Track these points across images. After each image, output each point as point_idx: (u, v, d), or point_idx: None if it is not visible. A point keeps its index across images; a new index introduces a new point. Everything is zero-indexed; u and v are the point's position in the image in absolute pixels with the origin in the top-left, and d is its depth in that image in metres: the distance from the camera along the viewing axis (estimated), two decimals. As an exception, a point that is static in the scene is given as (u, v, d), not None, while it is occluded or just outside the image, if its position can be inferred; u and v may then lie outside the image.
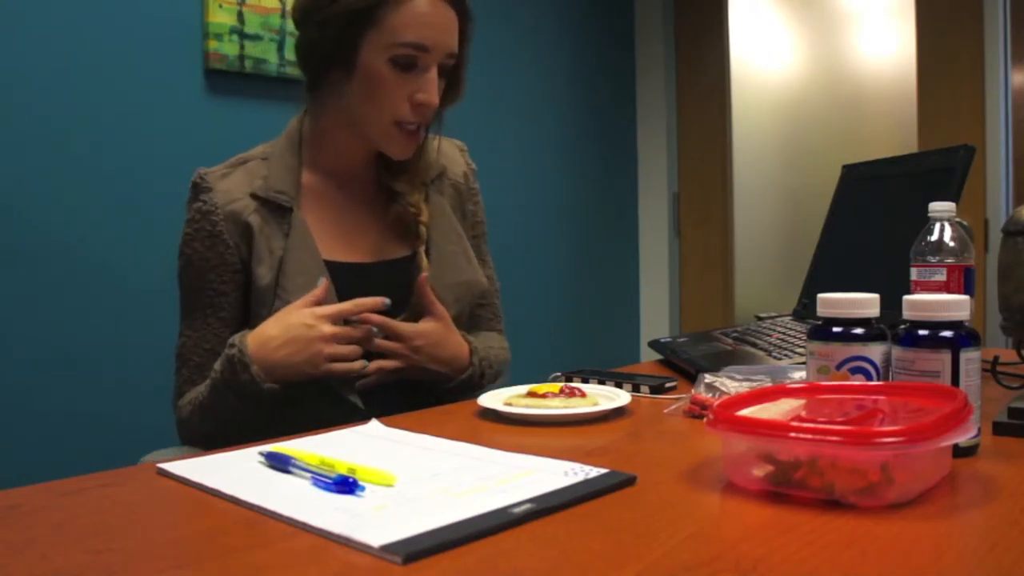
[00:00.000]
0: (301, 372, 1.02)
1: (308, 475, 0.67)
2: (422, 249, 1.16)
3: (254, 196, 1.11)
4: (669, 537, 0.54)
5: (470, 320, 1.26)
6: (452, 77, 1.15)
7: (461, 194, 1.26)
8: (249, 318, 1.11)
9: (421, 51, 1.05)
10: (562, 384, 0.95)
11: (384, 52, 1.05)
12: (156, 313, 1.91)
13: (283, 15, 2.12)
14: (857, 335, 0.73)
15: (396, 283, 1.14)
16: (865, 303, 0.73)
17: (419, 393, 1.14)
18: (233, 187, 1.12)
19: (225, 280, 1.11)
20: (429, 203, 1.20)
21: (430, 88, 1.07)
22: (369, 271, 1.15)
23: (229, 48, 2.02)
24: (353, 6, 1.04)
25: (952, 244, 0.85)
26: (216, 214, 1.10)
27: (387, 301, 1.06)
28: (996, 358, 0.93)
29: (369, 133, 1.12)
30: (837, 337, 0.74)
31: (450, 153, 1.27)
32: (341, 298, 1.10)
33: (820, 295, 0.75)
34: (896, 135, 2.77)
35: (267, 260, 1.09)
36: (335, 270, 1.12)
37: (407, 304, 1.14)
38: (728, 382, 0.91)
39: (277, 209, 1.11)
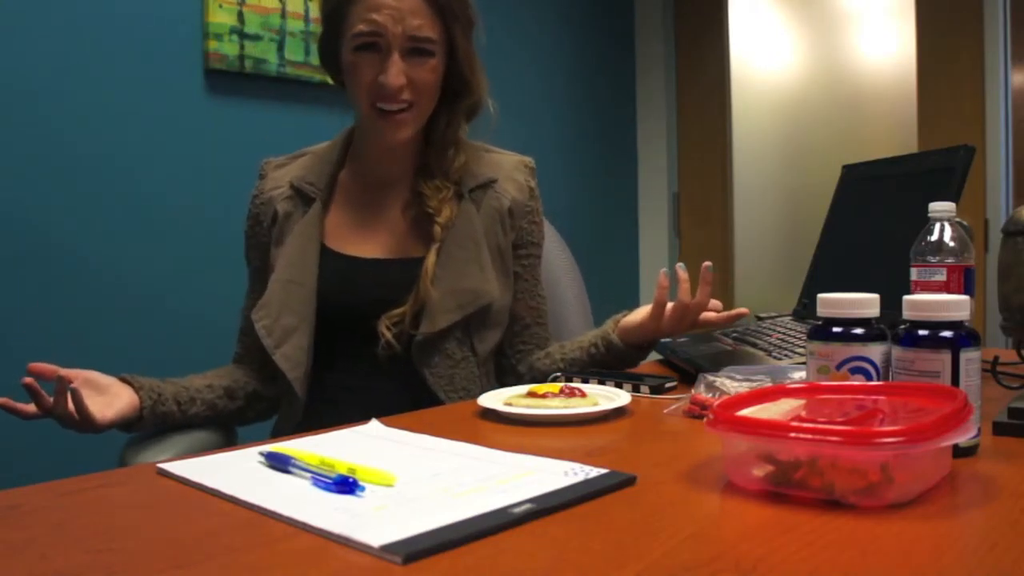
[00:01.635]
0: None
1: (308, 475, 0.67)
2: (434, 249, 1.17)
3: (291, 185, 1.22)
4: (669, 537, 0.54)
5: (526, 338, 1.26)
6: (453, 71, 1.17)
7: (503, 208, 1.23)
8: None
9: (375, 36, 1.10)
10: (562, 384, 0.95)
11: (350, 43, 1.12)
12: (157, 313, 1.91)
13: (283, 15, 2.12)
14: (857, 335, 0.73)
15: (399, 281, 1.16)
16: (865, 303, 0.73)
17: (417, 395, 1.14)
18: (281, 176, 1.24)
19: (260, 257, 1.24)
20: (458, 209, 1.20)
21: (389, 70, 1.11)
22: (373, 266, 1.18)
23: (229, 48, 2.02)
24: (328, 10, 1.14)
25: (952, 244, 0.84)
26: (259, 199, 1.24)
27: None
28: (996, 358, 0.93)
29: (362, 123, 1.19)
30: (837, 337, 0.74)
31: (508, 168, 1.27)
32: (339, 288, 1.16)
33: (820, 295, 0.75)
34: (896, 135, 2.77)
35: (284, 244, 1.18)
36: (334, 259, 1.18)
37: (407, 302, 1.15)
38: (728, 382, 0.91)
39: (306, 199, 1.20)
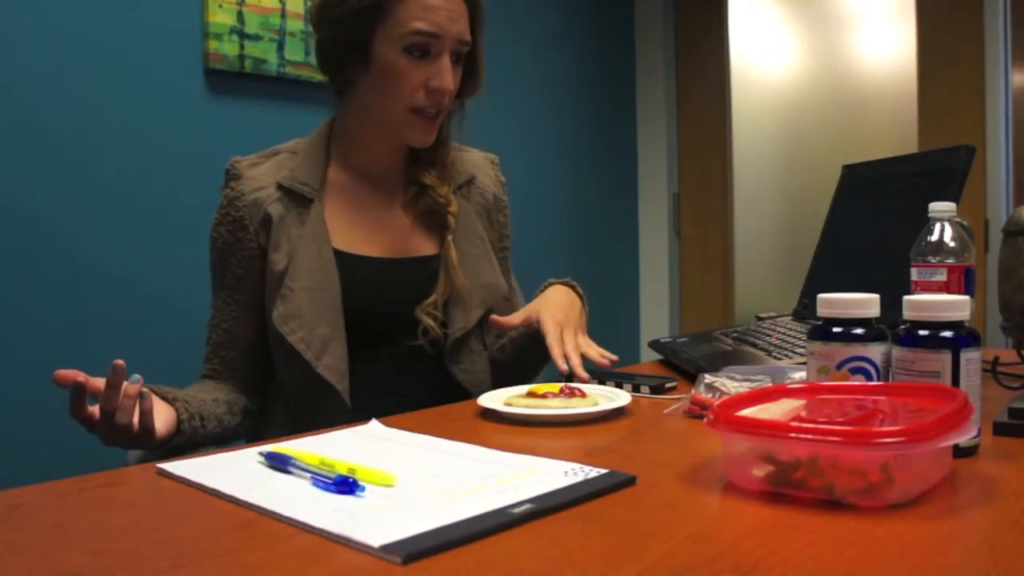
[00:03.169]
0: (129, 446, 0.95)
1: (308, 475, 0.67)
2: (450, 239, 1.18)
3: (279, 186, 1.14)
4: (669, 537, 0.54)
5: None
6: (469, 67, 1.16)
7: (489, 204, 1.27)
8: (265, 303, 1.14)
9: (432, 38, 1.07)
10: (562, 384, 0.95)
11: (397, 43, 1.07)
12: (157, 312, 1.91)
13: (283, 15, 2.12)
14: (857, 335, 0.73)
15: (417, 280, 1.17)
16: (865, 303, 0.73)
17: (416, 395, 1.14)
18: (261, 176, 1.15)
19: (244, 265, 1.14)
20: (456, 202, 1.22)
21: (444, 74, 1.09)
22: (389, 266, 1.17)
23: (229, 48, 2.02)
24: (363, 2, 1.07)
25: (952, 244, 0.84)
26: (241, 200, 1.14)
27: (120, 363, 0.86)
28: (996, 358, 0.93)
29: (387, 123, 1.14)
30: (837, 337, 0.74)
31: (481, 164, 1.29)
32: (362, 291, 1.13)
33: (820, 295, 0.75)
34: (896, 135, 2.77)
35: (283, 247, 1.12)
36: (349, 261, 1.14)
37: (436, 291, 1.16)
38: (728, 382, 0.91)
39: (299, 199, 1.14)
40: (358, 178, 1.20)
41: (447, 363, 1.16)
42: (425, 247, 1.19)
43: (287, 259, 1.11)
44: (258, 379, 1.17)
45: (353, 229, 1.18)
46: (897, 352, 0.71)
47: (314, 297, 1.10)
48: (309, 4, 2.17)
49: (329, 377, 1.08)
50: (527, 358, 1.25)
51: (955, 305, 0.68)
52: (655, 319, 3.27)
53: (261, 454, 0.73)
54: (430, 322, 1.14)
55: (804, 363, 0.81)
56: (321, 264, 1.12)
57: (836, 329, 0.74)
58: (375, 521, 0.56)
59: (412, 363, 1.15)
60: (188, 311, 1.94)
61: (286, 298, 1.10)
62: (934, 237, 0.85)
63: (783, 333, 1.24)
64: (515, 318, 1.15)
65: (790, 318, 1.40)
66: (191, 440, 1.00)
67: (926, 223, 0.87)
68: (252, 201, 1.13)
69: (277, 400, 1.16)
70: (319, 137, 1.20)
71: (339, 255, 1.14)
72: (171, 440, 0.97)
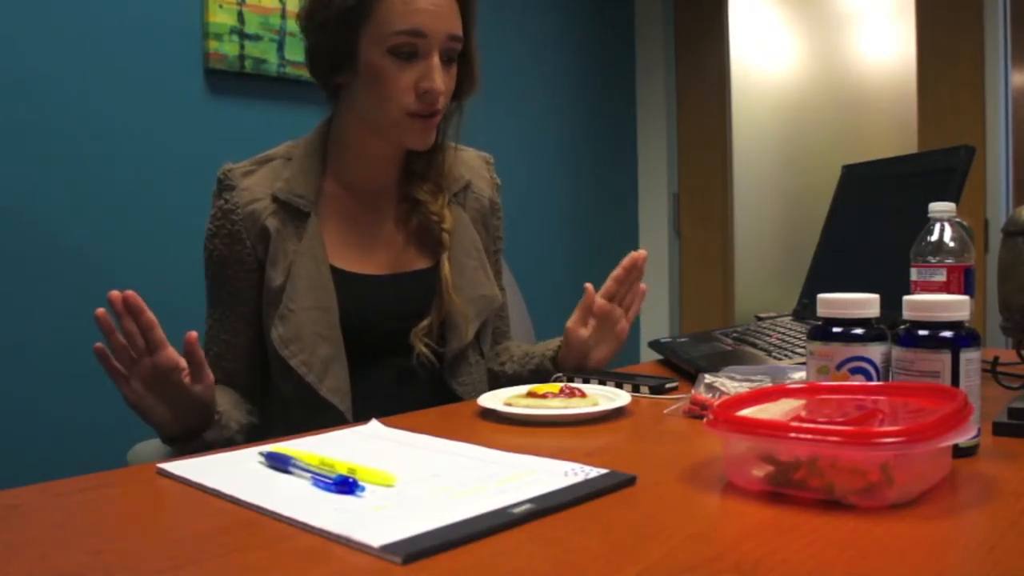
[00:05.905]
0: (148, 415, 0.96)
1: (308, 475, 0.67)
2: (445, 256, 1.15)
3: (275, 198, 1.11)
4: (669, 537, 0.54)
5: (493, 333, 1.27)
6: (464, 67, 1.13)
7: (484, 208, 1.25)
8: (262, 316, 1.12)
9: (418, 37, 1.04)
10: (562, 384, 0.95)
11: (382, 44, 1.04)
12: (156, 312, 1.91)
13: (283, 15, 2.12)
14: (857, 335, 0.73)
15: (415, 295, 1.15)
16: (865, 303, 0.73)
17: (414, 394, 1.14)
18: (255, 186, 1.11)
19: (241, 278, 1.12)
20: (451, 215, 1.19)
21: (433, 75, 1.05)
22: (385, 283, 1.15)
23: (229, 48, 2.02)
24: (346, 3, 1.03)
25: (952, 244, 0.84)
26: (236, 213, 1.10)
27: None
28: (996, 358, 0.93)
29: (383, 127, 1.10)
30: (837, 337, 0.74)
31: (476, 166, 1.26)
32: (359, 309, 1.11)
33: (820, 295, 0.75)
34: (896, 135, 2.77)
35: (281, 263, 1.09)
36: (346, 280, 1.12)
37: (431, 314, 1.15)
38: (728, 382, 0.91)
39: (296, 213, 1.11)
40: (353, 192, 1.17)
41: (446, 377, 1.15)
42: (420, 261, 1.18)
43: (284, 276, 1.09)
44: (258, 386, 1.16)
45: (348, 245, 1.15)
46: (897, 352, 0.71)
47: (314, 318, 1.08)
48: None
49: (332, 399, 1.07)
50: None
51: (955, 305, 0.68)
52: (655, 319, 3.27)
53: (261, 454, 0.73)
54: (423, 348, 1.13)
55: (804, 363, 0.81)
56: (320, 283, 1.09)
57: (836, 329, 0.74)
58: (375, 521, 0.56)
59: (411, 376, 1.14)
60: (188, 311, 1.93)
61: (285, 319, 1.08)
62: (934, 237, 0.85)
63: (783, 333, 1.24)
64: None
65: (790, 318, 1.40)
66: (214, 442, 0.98)
67: (926, 223, 0.87)
68: (248, 214, 1.10)
69: (275, 409, 1.15)
70: (313, 144, 1.16)
71: (336, 272, 1.12)
72: (203, 430, 0.98)
